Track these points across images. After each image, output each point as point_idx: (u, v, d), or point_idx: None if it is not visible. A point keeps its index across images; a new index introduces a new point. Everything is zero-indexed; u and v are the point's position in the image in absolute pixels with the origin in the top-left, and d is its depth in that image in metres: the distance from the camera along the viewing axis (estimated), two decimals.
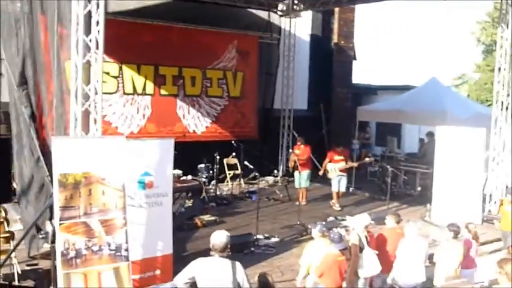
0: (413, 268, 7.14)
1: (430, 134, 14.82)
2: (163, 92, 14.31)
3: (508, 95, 11.70)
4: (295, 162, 12.80)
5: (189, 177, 12.75)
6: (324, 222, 7.74)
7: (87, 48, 6.92)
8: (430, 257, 7.63)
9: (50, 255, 6.72)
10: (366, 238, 7.20)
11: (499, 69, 11.72)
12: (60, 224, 6.34)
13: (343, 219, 11.14)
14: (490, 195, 11.79)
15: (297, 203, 12.26)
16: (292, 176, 14.07)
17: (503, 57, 11.63)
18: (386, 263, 7.28)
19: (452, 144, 11.60)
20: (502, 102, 11.68)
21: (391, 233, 7.62)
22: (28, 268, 7.73)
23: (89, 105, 6.92)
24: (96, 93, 6.93)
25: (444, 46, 61.77)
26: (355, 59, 19.63)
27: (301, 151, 13.03)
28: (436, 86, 15.25)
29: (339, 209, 12.60)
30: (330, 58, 18.60)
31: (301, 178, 12.86)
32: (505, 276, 5.20)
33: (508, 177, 11.69)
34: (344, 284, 6.99)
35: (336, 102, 18.51)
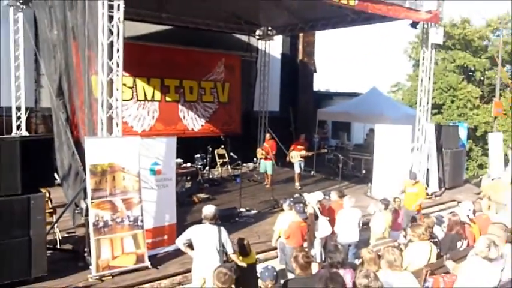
0: (348, 230, 7.36)
1: (371, 130, 15.07)
2: (168, 98, 14.32)
3: (428, 102, 11.98)
4: (262, 153, 12.87)
5: (188, 164, 12.67)
6: (291, 198, 7.93)
7: (110, 69, 7.08)
8: (367, 224, 7.95)
9: (84, 225, 6.94)
10: (319, 209, 7.46)
11: (422, 81, 12.02)
12: (91, 202, 6.57)
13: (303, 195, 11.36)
14: (412, 168, 12.00)
15: (265, 183, 12.74)
16: None
17: (424, 72, 11.92)
18: (334, 227, 7.56)
19: (387, 138, 11.88)
20: (424, 106, 11.94)
21: (336, 204, 7.90)
22: (67, 235, 7.85)
23: (112, 113, 7.07)
24: (117, 103, 7.09)
25: (383, 61, 62.38)
26: (315, 72, 19.75)
27: (269, 144, 12.96)
28: (376, 93, 15.56)
29: (299, 187, 12.75)
30: (296, 71, 18.68)
31: (267, 166, 12.82)
32: (416, 236, 5.60)
33: (426, 163, 12.02)
34: (305, 244, 7.32)
35: (301, 105, 18.61)
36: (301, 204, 7.10)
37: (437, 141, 12.59)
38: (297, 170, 12.94)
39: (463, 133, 14.68)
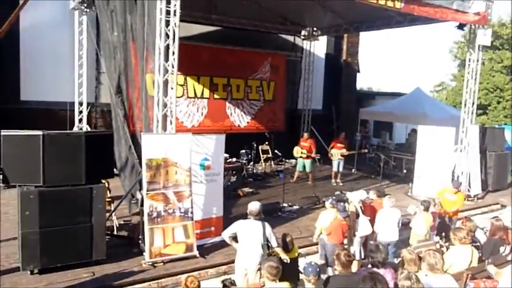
0: (388, 230, 7.28)
1: (414, 130, 14.76)
2: (216, 96, 14.55)
3: (473, 103, 11.63)
4: (302, 152, 12.66)
5: (234, 159, 12.88)
6: (333, 196, 7.94)
7: (166, 70, 7.32)
8: (407, 224, 7.84)
9: (139, 214, 7.25)
10: (361, 208, 7.43)
11: (467, 82, 11.66)
12: (147, 194, 6.86)
13: (345, 193, 11.28)
14: (457, 177, 11.84)
15: (293, 180, 12.50)
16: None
17: (470, 74, 11.55)
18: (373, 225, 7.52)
19: (429, 139, 11.65)
20: (468, 108, 11.60)
21: (376, 204, 7.80)
22: (123, 223, 8.20)
23: (167, 111, 7.33)
24: (171, 102, 7.34)
25: (427, 61, 60.37)
26: (359, 71, 19.47)
27: (309, 142, 12.75)
28: (419, 94, 15.18)
29: (335, 184, 12.76)
30: (339, 71, 18.49)
31: (306, 164, 12.60)
32: (457, 240, 5.50)
33: (469, 166, 11.66)
34: (345, 241, 7.34)
35: (344, 104, 18.44)
36: (343, 203, 7.10)
37: (481, 144, 12.20)
38: (334, 168, 12.92)
39: (508, 135, 14.11)
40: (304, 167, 12.70)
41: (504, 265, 5.08)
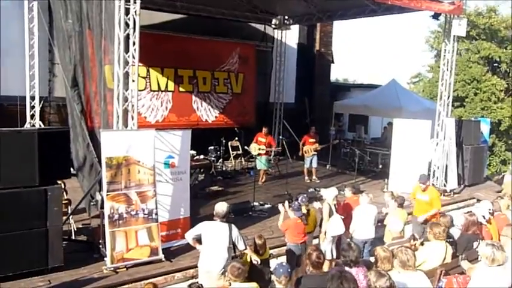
0: (364, 228, 7.51)
1: (390, 124, 15.12)
2: (181, 89, 14.51)
3: (449, 95, 11.97)
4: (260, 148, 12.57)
5: (201, 156, 12.89)
6: (304, 194, 8.08)
7: (126, 62, 7.28)
8: (382, 220, 8.08)
9: (99, 217, 7.21)
10: (335, 205, 7.62)
11: (443, 74, 12.01)
12: (107, 195, 6.83)
13: (319, 190, 11.46)
14: (433, 172, 12.19)
15: (260, 182, 12.36)
16: (284, 155, 14.37)
17: (446, 65, 11.90)
18: (348, 224, 7.69)
19: (405, 133, 11.98)
20: (444, 100, 11.92)
21: (352, 201, 8.03)
22: (82, 226, 8.13)
23: (128, 105, 7.31)
24: (132, 96, 7.31)
25: (403, 51, 61.76)
26: (332, 62, 19.75)
27: (268, 139, 12.76)
28: (395, 86, 15.55)
29: (308, 181, 12.99)
30: (312, 62, 18.71)
31: (263, 162, 12.62)
32: (432, 235, 5.75)
33: (445, 160, 12.07)
34: (316, 241, 7.51)
35: (317, 97, 18.66)
36: (298, 202, 7.23)
37: (457, 137, 12.61)
38: (307, 164, 13.14)
39: (485, 129, 14.64)
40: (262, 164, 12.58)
41: (477, 260, 5.34)
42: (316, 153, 13.07)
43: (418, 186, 8.46)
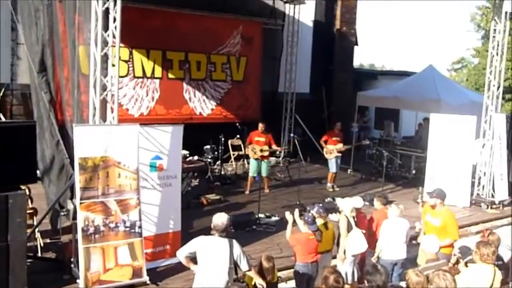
0: (394, 246, 7.46)
1: (426, 120, 15.10)
2: (170, 75, 14.55)
3: (499, 86, 11.95)
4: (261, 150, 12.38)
5: (195, 157, 12.91)
6: (320, 204, 8.07)
7: (105, 42, 7.31)
8: (415, 238, 8.07)
9: (71, 230, 7.23)
10: (354, 219, 7.61)
11: (491, 60, 11.98)
12: (80, 203, 6.86)
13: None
14: (479, 180, 12.16)
15: (247, 192, 12.34)
16: (295, 156, 14.29)
17: (495, 49, 11.90)
18: (375, 241, 7.66)
19: (444, 131, 11.98)
20: (493, 92, 11.91)
21: (380, 214, 8.00)
22: (50, 242, 8.12)
23: (107, 95, 7.34)
24: (112, 84, 7.35)
25: (444, 31, 61.46)
26: (356, 44, 19.76)
27: (267, 138, 12.56)
28: (432, 74, 15.49)
29: (332, 189, 13.03)
30: (332, 44, 18.72)
31: (262, 167, 12.45)
32: (479, 256, 5.73)
33: (495, 165, 12.03)
34: (333, 262, 7.50)
35: (337, 86, 18.69)
36: (311, 214, 7.22)
37: (509, 137, 12.61)
38: (332, 168, 13.13)
39: None
40: (259, 170, 12.47)
41: None
42: (339, 154, 13.05)
43: (428, 204, 7.91)
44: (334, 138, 13.11)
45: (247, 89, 16.19)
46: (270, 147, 12.48)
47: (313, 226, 7.05)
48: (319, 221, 7.28)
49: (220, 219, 5.83)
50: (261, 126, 12.60)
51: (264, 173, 12.48)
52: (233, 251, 5.72)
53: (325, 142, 13.16)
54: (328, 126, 17.09)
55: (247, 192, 12.39)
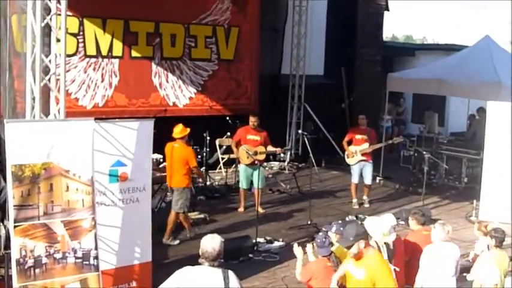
0: (439, 278, 7.40)
1: (482, 110, 15.13)
2: (134, 53, 14.59)
3: None
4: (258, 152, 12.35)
5: None
6: (339, 221, 8.07)
7: (48, 9, 7.29)
8: (468, 268, 8.05)
9: (2, 263, 7.22)
10: (388, 245, 7.58)
11: None
12: (15, 227, 6.75)
13: (363, 219, 11.22)
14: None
15: (240, 209, 12.46)
16: (305, 161, 14.35)
17: None
18: (414, 275, 7.59)
19: (506, 125, 11.93)
20: None
21: (417, 236, 7.99)
22: None
23: (49, 80, 7.31)
24: (57, 65, 7.31)
25: None
26: (387, 9, 19.81)
27: (261, 136, 12.51)
28: (489, 48, 15.37)
29: (357, 206, 13.03)
30: (354, 9, 18.65)
31: (254, 175, 12.26)
32: None
33: None
34: None
35: (362, 66, 18.80)
36: (323, 235, 7.20)
37: None
38: (354, 177, 13.15)
39: None
40: (251, 180, 12.48)
41: None
42: (364, 158, 12.97)
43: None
44: (359, 137, 13.09)
45: (240, 71, 16.28)
46: (265, 148, 12.47)
47: (325, 249, 7.03)
48: (337, 245, 7.29)
49: (210, 243, 5.80)
50: (253, 120, 12.51)
51: (260, 184, 12.29)
52: (229, 286, 5.71)
53: (349, 143, 13.19)
54: (350, 120, 17.11)
55: (241, 209, 12.40)
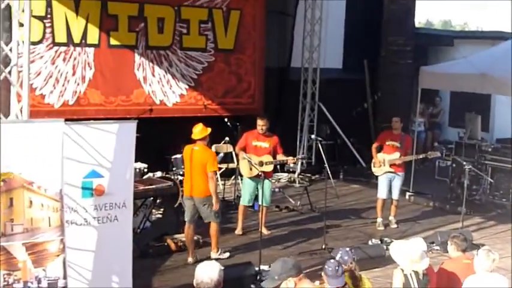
0: None
1: None
2: (113, 41, 14.67)
3: None
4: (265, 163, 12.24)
5: (158, 173, 13.00)
6: (349, 249, 8.00)
7: None
8: None
9: None
10: (417, 275, 7.55)
11: None
12: None
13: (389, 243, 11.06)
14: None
15: (238, 231, 12.33)
16: (320, 172, 14.32)
17: None
18: None
19: None
20: None
21: (457, 265, 7.96)
22: None
23: (10, 73, 7.33)
24: (19, 54, 7.34)
25: None
26: None
27: (271, 142, 12.40)
28: None
29: (382, 227, 12.98)
30: None
31: (259, 190, 12.25)
32: None
33: None
34: None
35: (388, 58, 18.78)
36: (335, 262, 7.20)
37: None
38: (381, 191, 13.12)
39: None
40: (256, 195, 12.51)
41: None
42: (396, 172, 12.91)
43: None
44: (389, 143, 13.07)
45: (241, 64, 16.39)
46: (275, 157, 12.40)
47: (338, 280, 6.99)
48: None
49: (207, 272, 5.81)
50: (261, 124, 12.36)
51: (265, 201, 12.15)
52: None
53: (379, 149, 13.20)
54: (373, 124, 17.12)
55: (238, 231, 12.36)
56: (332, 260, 7.24)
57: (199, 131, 10.75)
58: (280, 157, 12.52)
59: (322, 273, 7.17)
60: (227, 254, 10.89)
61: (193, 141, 11.07)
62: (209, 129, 10.83)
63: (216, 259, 10.24)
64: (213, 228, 10.85)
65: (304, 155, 14.21)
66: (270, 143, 12.30)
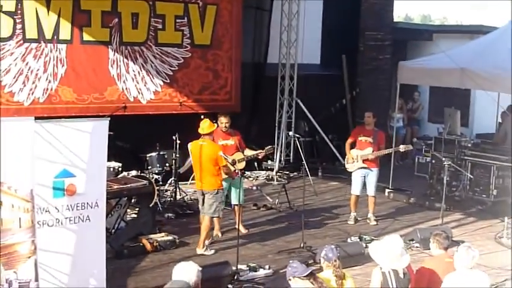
0: None
1: None
2: (86, 37, 14.52)
3: None
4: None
5: (133, 172, 12.94)
6: (334, 245, 7.97)
7: None
8: None
9: None
10: (396, 274, 7.54)
11: None
12: None
13: (372, 240, 11.21)
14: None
15: (218, 234, 12.04)
16: (298, 169, 14.29)
17: None
18: None
19: None
20: None
21: (439, 263, 7.95)
22: None
23: None
24: None
25: None
26: None
27: (235, 140, 12.43)
28: None
29: (352, 222, 13.08)
30: None
31: (233, 189, 12.19)
32: None
33: None
34: None
35: (367, 53, 18.80)
36: (299, 261, 7.18)
37: None
38: (354, 187, 13.17)
39: None
40: (226, 195, 12.17)
41: None
42: (369, 167, 12.95)
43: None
44: (362, 139, 13.11)
45: (218, 59, 16.32)
46: (243, 153, 12.39)
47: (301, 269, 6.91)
48: (328, 272, 7.25)
49: (186, 272, 5.83)
50: (225, 121, 12.25)
51: (239, 199, 11.96)
52: None
53: (352, 145, 13.24)
54: (352, 119, 17.14)
55: (217, 232, 12.25)
56: (296, 261, 7.20)
57: (207, 126, 11.15)
58: (250, 152, 12.67)
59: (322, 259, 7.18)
60: (212, 251, 10.99)
61: (191, 138, 11.33)
62: (215, 125, 11.44)
63: (201, 255, 10.63)
64: (205, 223, 11.03)
65: (273, 146, 14.07)
66: (234, 139, 12.39)
